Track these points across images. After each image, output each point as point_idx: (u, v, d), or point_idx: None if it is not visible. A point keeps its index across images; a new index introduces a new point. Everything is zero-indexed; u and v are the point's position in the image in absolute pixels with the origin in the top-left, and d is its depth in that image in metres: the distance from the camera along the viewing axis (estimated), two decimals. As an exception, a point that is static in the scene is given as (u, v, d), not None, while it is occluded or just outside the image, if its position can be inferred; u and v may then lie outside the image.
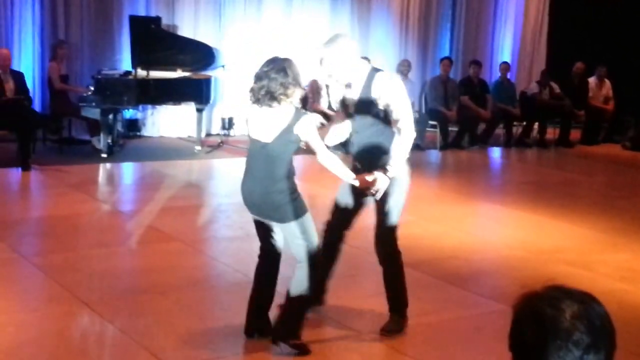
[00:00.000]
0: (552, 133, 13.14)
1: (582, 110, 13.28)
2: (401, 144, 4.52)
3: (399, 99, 4.57)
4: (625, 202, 9.06)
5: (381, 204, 4.62)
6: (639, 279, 6.13)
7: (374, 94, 4.57)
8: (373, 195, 4.47)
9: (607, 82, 13.52)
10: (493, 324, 4.82)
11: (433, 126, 12.27)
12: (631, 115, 13.35)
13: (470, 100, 12.42)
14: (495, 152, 12.55)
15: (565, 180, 10.32)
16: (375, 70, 4.70)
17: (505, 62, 13.41)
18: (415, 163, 11.09)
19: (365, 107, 4.62)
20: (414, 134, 4.58)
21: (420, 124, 12.02)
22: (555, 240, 7.23)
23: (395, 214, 4.67)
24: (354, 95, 4.68)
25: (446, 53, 13.65)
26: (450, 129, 12.28)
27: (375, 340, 4.71)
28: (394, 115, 4.56)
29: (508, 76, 13.32)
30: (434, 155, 11.99)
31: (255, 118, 4.31)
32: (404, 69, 12.17)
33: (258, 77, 4.24)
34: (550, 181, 10.20)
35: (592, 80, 13.42)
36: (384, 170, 4.39)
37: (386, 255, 4.79)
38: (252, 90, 4.26)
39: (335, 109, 4.96)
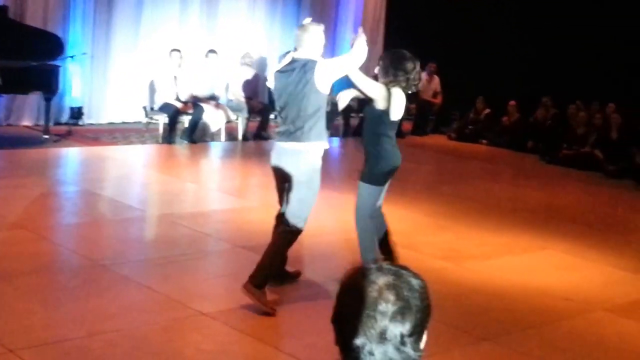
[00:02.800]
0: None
1: (412, 104, 14.09)
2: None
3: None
4: (450, 188, 9.74)
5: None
6: (461, 257, 6.67)
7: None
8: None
9: (436, 77, 14.41)
10: (330, 302, 5.17)
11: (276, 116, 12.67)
12: (456, 109, 14.40)
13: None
14: (334, 142, 13.09)
15: (400, 168, 10.93)
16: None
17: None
18: (259, 152, 11.56)
19: None
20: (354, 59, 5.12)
21: (265, 114, 12.40)
22: (389, 224, 7.72)
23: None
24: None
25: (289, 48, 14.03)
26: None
27: (217, 320, 4.90)
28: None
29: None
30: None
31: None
32: (247, 60, 12.55)
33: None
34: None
35: (422, 75, 14.23)
36: None
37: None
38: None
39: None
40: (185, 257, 6.09)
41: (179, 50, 11.76)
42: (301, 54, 5.16)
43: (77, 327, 4.59)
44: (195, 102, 11.59)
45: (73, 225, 7.02)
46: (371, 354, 1.66)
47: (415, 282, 1.72)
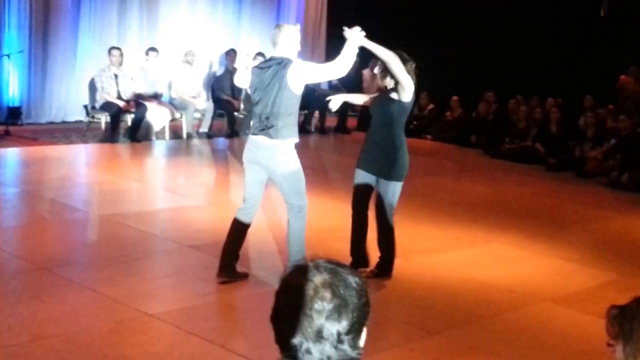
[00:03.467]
0: (331, 121, 13.91)
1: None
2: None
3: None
4: (397, 184, 9.77)
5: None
6: (408, 252, 6.65)
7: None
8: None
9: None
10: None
11: (220, 115, 12.62)
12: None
13: (255, 89, 12.85)
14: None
15: (344, 164, 10.93)
16: None
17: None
18: (203, 151, 11.48)
19: None
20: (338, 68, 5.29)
21: (208, 112, 12.32)
22: (334, 220, 7.72)
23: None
24: None
25: (233, 45, 13.93)
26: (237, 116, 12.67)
27: (164, 321, 4.83)
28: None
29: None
30: (222, 142, 12.30)
31: None
32: (189, 58, 12.45)
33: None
34: (331, 165, 10.83)
35: (366, 72, 14.29)
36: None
37: None
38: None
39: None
40: (130, 258, 5.99)
41: (118, 49, 11.59)
42: (278, 52, 5.32)
43: (18, 332, 4.49)
44: (137, 101, 11.44)
45: (13, 227, 6.86)
46: (309, 352, 1.66)
47: (352, 279, 1.71)
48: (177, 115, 11.96)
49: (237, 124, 12.68)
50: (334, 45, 15.48)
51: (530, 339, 5.06)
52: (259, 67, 5.41)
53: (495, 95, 13.46)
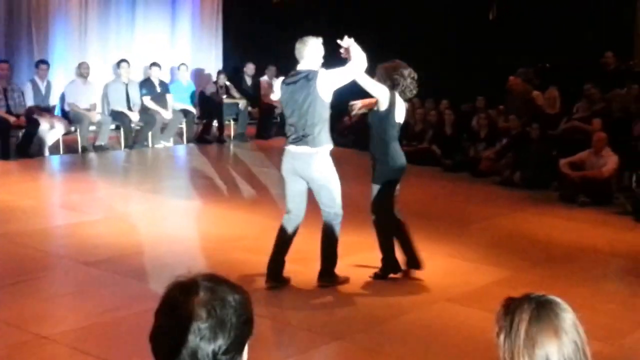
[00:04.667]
0: (230, 129, 13.85)
1: (256, 108, 14.13)
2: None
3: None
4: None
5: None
6: (309, 259, 6.64)
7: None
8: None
9: (276, 80, 14.49)
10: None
11: (117, 127, 12.40)
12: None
13: (151, 100, 12.69)
14: (180, 149, 12.94)
15: (245, 172, 10.91)
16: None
17: (183, 64, 13.84)
18: (100, 164, 11.23)
19: None
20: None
21: (103, 125, 12.07)
22: (235, 229, 7.71)
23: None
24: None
25: (126, 55, 13.63)
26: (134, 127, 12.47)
27: (58, 343, 4.71)
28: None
29: (187, 77, 13.77)
30: (119, 155, 12.08)
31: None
32: (83, 71, 12.17)
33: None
34: (230, 174, 10.74)
35: (264, 79, 14.31)
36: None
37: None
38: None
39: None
40: (24, 278, 5.81)
41: (6, 62, 11.24)
42: (303, 66, 5.69)
43: None
44: (29, 115, 11.10)
45: None
46: None
47: (232, 297, 1.68)
48: (72, 128, 11.68)
49: (134, 135, 12.48)
50: (228, 52, 15.53)
51: (430, 338, 5.15)
52: (286, 83, 5.77)
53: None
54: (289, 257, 6.68)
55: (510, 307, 1.96)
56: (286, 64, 14.24)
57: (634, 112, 10.87)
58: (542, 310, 1.90)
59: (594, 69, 12.48)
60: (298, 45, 5.71)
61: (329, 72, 5.67)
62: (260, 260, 6.56)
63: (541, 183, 10.19)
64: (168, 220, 8.27)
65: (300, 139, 5.69)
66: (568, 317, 1.91)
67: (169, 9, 14.66)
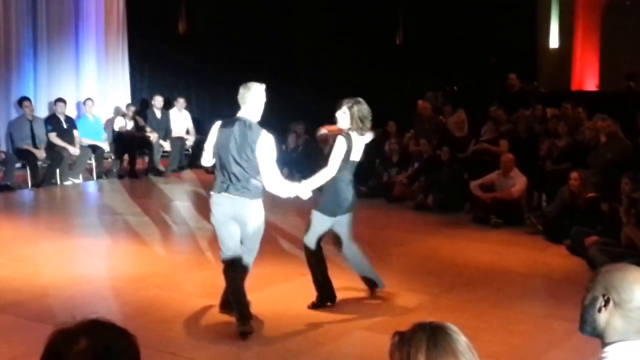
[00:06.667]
0: (141, 163, 13.58)
1: (167, 140, 13.91)
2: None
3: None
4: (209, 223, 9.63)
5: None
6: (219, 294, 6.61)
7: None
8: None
9: (187, 112, 14.35)
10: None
11: (23, 165, 12.04)
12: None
13: (57, 137, 12.37)
14: (90, 186, 12.61)
15: (157, 207, 10.68)
16: None
17: (89, 99, 13.55)
18: (6, 204, 10.82)
19: None
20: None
21: (9, 163, 11.67)
22: (147, 267, 7.51)
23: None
24: None
25: (29, 92, 13.23)
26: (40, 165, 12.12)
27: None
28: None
29: (93, 112, 13.47)
30: (26, 194, 11.70)
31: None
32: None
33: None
34: (144, 210, 10.50)
35: (172, 111, 14.14)
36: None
37: None
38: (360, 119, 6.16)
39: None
40: None
41: None
42: (245, 112, 5.59)
43: None
44: None
45: None
46: None
47: (114, 344, 1.64)
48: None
49: (41, 173, 12.11)
50: (135, 85, 15.30)
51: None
52: (222, 127, 5.63)
53: (305, 126, 13.65)
54: (201, 292, 6.57)
55: (405, 338, 1.97)
56: (190, 94, 14.34)
57: (540, 132, 11.15)
58: (437, 336, 1.95)
59: (500, 90, 12.77)
60: (242, 91, 5.63)
61: (271, 149, 5.58)
62: (172, 297, 6.41)
63: (454, 206, 10.30)
64: (77, 260, 8.01)
65: (237, 189, 5.56)
66: (461, 339, 1.97)
67: (73, 43, 14.30)
